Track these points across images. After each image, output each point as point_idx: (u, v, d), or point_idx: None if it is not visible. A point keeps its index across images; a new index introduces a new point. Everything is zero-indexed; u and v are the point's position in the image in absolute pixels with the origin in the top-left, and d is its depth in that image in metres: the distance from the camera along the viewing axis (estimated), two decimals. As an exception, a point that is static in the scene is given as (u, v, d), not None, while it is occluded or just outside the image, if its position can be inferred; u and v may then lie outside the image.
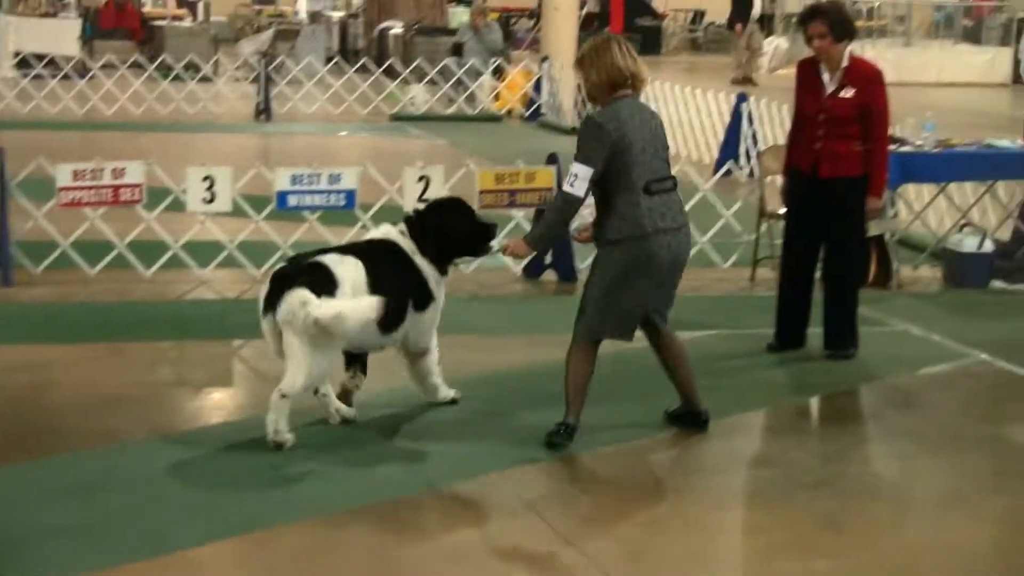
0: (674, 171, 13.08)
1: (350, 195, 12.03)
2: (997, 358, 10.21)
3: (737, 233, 13.07)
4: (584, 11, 37.03)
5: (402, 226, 8.52)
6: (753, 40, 35.12)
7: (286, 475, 7.57)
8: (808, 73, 9.93)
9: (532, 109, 25.38)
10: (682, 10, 50.08)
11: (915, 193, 13.68)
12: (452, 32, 31.10)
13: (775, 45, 39.95)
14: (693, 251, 12.66)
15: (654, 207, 7.98)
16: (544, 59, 25.43)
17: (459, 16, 36.15)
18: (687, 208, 11.16)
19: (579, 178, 7.85)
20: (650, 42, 39.33)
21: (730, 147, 18.61)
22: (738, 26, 34.47)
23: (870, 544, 6.94)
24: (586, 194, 7.91)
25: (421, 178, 12.11)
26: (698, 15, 50.03)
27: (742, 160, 18.12)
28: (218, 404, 9.03)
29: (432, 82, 26.44)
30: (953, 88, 33.80)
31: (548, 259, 12.37)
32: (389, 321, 8.11)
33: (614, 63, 7.98)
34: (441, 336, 8.73)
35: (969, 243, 12.53)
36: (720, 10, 49.59)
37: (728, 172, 14.75)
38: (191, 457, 7.84)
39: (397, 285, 8.23)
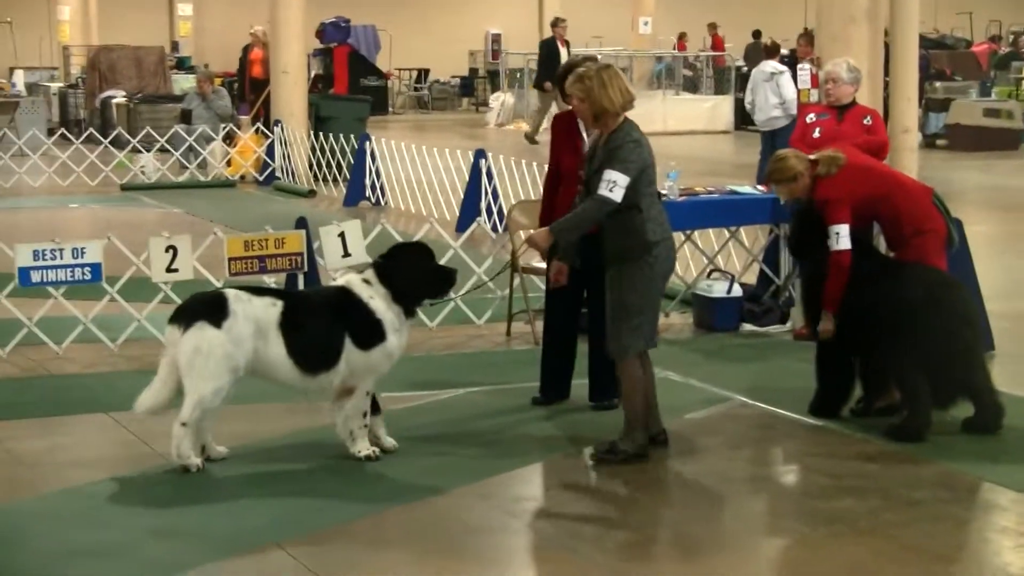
0: (422, 230, 13.20)
1: (96, 268, 11.71)
2: (755, 400, 10.37)
3: (490, 289, 13.07)
4: (313, 74, 36.93)
5: (368, 272, 8.85)
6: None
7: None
8: (566, 129, 9.99)
9: (266, 174, 25.15)
10: (407, 69, 50.29)
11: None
12: (177, 99, 30.66)
13: (501, 100, 40.34)
14: (448, 308, 12.80)
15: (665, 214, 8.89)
16: (276, 123, 25.23)
17: (181, 83, 35.68)
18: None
19: (618, 185, 8.57)
20: (377, 102, 39.32)
21: (471, 204, 18.67)
22: (547, 84, 32.78)
23: (660, 593, 6.98)
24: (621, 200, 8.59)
25: (168, 248, 11.83)
26: (423, 73, 50.28)
27: (483, 216, 18.16)
28: (-27, 491, 8.67)
29: (162, 150, 26.00)
30: (679, 136, 34.52)
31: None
32: (313, 364, 8.59)
33: (627, 88, 8.80)
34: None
35: (718, 288, 12.75)
36: (445, 68, 50.09)
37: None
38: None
39: (325, 329, 8.65)
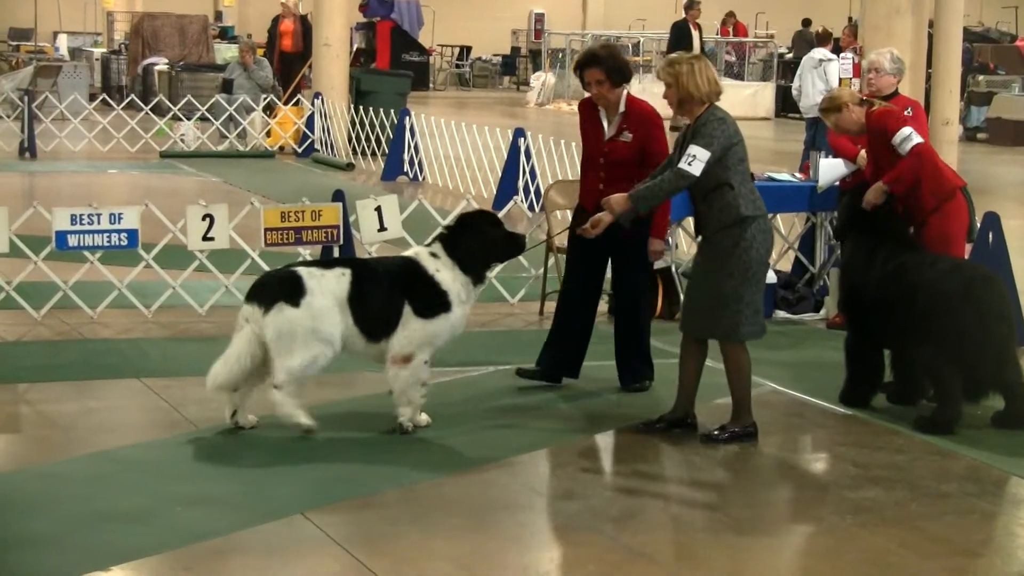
0: (459, 207, 13.21)
1: (132, 234, 11.76)
2: (786, 387, 10.36)
3: (524, 268, 13.07)
4: (355, 48, 36.95)
5: (435, 245, 8.95)
6: None
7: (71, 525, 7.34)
8: (588, 115, 10.03)
9: (305, 145, 25.20)
10: (449, 45, 50.29)
11: (697, 226, 13.81)
12: (219, 68, 30.73)
13: (543, 80, 40.31)
14: (482, 286, 12.77)
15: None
16: (316, 95, 25.27)
17: (224, 53, 35.75)
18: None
19: (698, 159, 8.65)
20: (418, 78, 39.36)
21: (508, 182, 18.67)
22: None
23: (684, 575, 6.99)
24: (700, 175, 8.66)
25: (205, 216, 11.87)
26: (465, 50, 50.26)
27: (520, 195, 18.16)
28: (3, 451, 8.71)
29: (202, 119, 26.07)
30: (719, 122, 34.38)
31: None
32: (375, 332, 8.70)
33: (715, 79, 8.89)
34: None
35: (752, 274, 12.70)
36: (487, 46, 50.09)
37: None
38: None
39: (387, 298, 8.74)
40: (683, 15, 32.32)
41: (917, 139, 9.98)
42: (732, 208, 8.74)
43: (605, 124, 9.91)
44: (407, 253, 9.15)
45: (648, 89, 37.93)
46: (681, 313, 9.24)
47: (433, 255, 8.93)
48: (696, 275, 9.05)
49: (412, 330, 8.78)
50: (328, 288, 8.68)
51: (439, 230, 9.15)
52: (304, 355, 8.61)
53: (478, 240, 8.99)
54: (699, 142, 8.68)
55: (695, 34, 31.13)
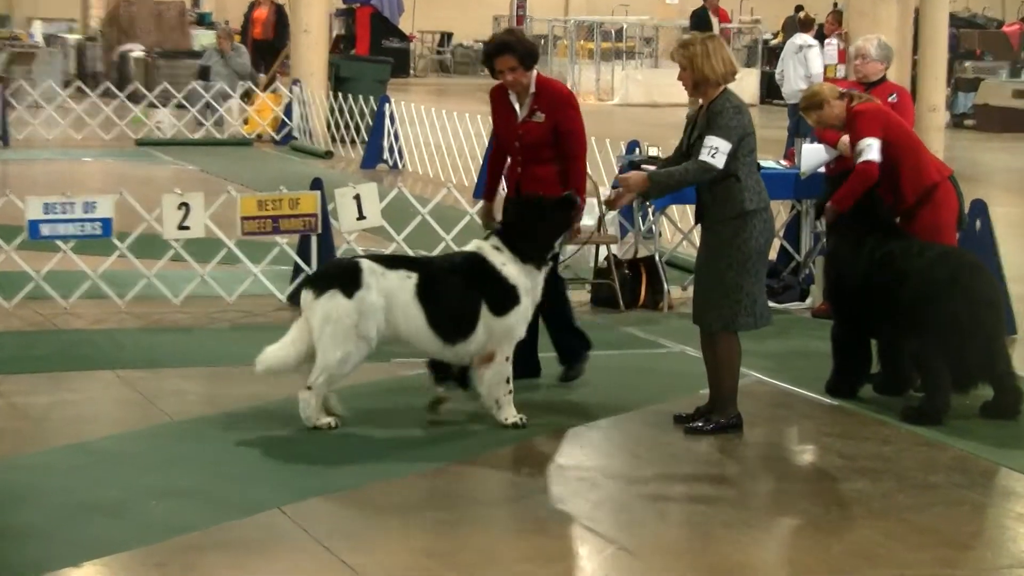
0: (439, 195, 13.09)
1: (106, 223, 11.60)
2: (772, 377, 10.25)
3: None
4: (335, 34, 36.79)
5: (493, 240, 8.88)
6: None
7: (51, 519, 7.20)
8: (500, 100, 9.87)
9: (283, 133, 25.02)
10: (429, 32, 50.12)
11: (680, 214, 13.74)
12: (196, 55, 30.52)
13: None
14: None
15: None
16: (295, 82, 25.08)
17: (201, 39, 35.54)
18: (455, 232, 11.30)
19: (720, 151, 8.51)
20: (398, 64, 39.18)
21: (489, 169, 18.49)
22: None
23: (667, 569, 6.90)
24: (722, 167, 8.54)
25: (181, 205, 11.72)
26: (446, 37, 50.10)
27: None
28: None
29: (179, 106, 25.88)
30: (700, 109, 34.30)
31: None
32: (451, 332, 8.65)
33: (730, 59, 8.72)
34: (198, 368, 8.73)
35: (736, 262, 12.59)
36: (468, 32, 49.94)
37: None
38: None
39: (462, 298, 8.69)
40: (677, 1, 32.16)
41: (872, 156, 9.74)
42: (736, 201, 8.62)
43: (517, 107, 9.76)
44: (469, 248, 9.06)
45: (631, 76, 38.00)
46: (692, 307, 9.07)
47: (496, 248, 8.84)
48: (699, 267, 8.94)
49: (490, 328, 8.72)
50: (386, 288, 8.61)
51: (495, 227, 9.03)
52: (342, 350, 8.55)
53: (534, 226, 8.89)
54: (719, 133, 8.54)
55: (714, 20, 30.92)
